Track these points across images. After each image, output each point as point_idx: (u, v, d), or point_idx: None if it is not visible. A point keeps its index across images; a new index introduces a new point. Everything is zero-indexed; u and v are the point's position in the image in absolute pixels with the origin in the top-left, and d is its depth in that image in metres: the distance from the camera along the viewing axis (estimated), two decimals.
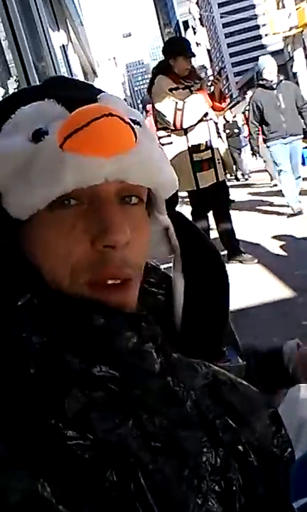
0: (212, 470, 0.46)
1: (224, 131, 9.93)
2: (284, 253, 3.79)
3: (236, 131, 11.16)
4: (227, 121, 11.02)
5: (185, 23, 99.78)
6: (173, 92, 3.48)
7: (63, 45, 6.68)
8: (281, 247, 4.02)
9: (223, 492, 0.46)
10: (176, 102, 3.41)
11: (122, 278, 0.50)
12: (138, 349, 0.47)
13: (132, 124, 0.48)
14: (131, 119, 0.49)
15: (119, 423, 0.42)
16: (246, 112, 7.43)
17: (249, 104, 5.97)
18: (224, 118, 10.57)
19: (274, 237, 4.41)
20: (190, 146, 3.52)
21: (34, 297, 0.47)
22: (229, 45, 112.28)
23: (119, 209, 0.49)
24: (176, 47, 3.61)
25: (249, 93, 8.82)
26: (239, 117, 11.57)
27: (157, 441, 0.44)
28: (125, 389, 0.44)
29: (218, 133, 3.70)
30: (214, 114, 3.67)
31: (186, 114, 3.41)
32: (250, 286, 3.12)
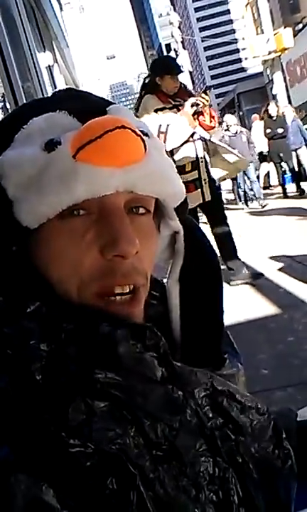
0: (210, 479, 0.46)
1: (265, 130, 8.53)
2: (269, 270, 3.83)
3: (279, 131, 8.31)
4: (270, 116, 8.48)
5: (168, 46, 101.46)
6: (159, 112, 3.39)
7: (49, 66, 6.74)
8: (266, 265, 4.06)
9: (221, 502, 0.46)
10: (160, 125, 3.30)
11: (130, 286, 0.50)
12: (141, 357, 0.47)
13: (142, 136, 0.49)
14: (140, 131, 0.49)
15: (122, 432, 0.43)
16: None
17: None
18: (266, 113, 8.69)
19: (259, 255, 4.46)
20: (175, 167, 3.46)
21: (43, 305, 0.47)
22: (210, 68, 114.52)
23: (128, 219, 0.50)
24: (162, 65, 3.53)
25: (226, 118, 8.76)
26: (289, 110, 8.72)
27: (159, 449, 0.44)
28: (128, 396, 0.45)
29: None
30: (204, 132, 3.53)
31: (169, 137, 3.29)
32: (236, 303, 3.13)
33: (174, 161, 3.17)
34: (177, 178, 0.56)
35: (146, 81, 3.57)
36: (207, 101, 3.42)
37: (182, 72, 3.62)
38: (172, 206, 0.57)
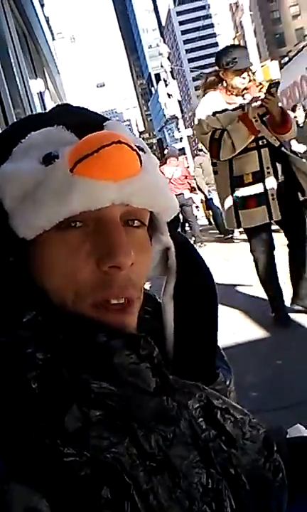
0: (203, 491, 0.46)
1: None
2: (259, 295, 3.84)
3: None
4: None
5: (157, 76, 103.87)
6: (217, 115, 2.84)
7: (40, 92, 6.85)
8: (257, 288, 4.07)
9: None
10: (214, 132, 2.80)
11: (125, 298, 0.51)
12: (135, 367, 0.47)
13: (138, 151, 0.50)
14: (136, 146, 0.51)
15: (116, 441, 0.43)
16: None
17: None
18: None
19: (250, 278, 4.48)
20: (232, 177, 2.87)
21: (39, 314, 0.47)
22: (198, 98, 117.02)
23: (124, 231, 0.50)
24: (226, 56, 2.85)
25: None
26: None
27: (153, 460, 0.44)
28: (122, 406, 0.45)
29: None
30: (272, 137, 2.84)
31: (223, 146, 2.76)
32: (226, 326, 3.14)
33: (231, 171, 2.80)
34: (170, 193, 0.57)
35: (209, 77, 3.01)
36: (274, 100, 2.76)
37: (250, 65, 2.97)
38: (165, 220, 0.58)
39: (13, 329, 0.46)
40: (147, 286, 0.60)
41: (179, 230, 0.63)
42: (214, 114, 2.85)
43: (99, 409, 0.44)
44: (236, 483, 0.49)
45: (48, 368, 0.44)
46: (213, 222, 9.37)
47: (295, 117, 6.68)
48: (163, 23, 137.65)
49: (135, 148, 0.50)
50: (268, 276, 3.02)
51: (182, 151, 24.49)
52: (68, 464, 0.40)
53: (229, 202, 2.91)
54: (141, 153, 0.51)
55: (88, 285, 0.49)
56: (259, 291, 3.89)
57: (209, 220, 10.48)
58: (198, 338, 0.59)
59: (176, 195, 7.22)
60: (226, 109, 2.86)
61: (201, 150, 8.01)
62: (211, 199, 8.08)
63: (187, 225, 8.42)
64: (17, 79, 4.71)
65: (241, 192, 2.86)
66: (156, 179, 0.53)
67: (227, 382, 0.61)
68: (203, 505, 0.45)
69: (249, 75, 2.92)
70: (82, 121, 0.52)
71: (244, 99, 2.90)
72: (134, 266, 0.50)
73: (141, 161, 0.50)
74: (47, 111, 0.59)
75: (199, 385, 0.53)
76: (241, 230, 3.29)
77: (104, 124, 0.52)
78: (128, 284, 0.50)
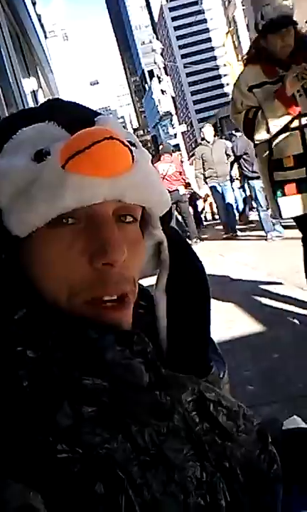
0: (197, 484, 0.46)
1: None
2: (255, 289, 3.85)
3: None
4: None
5: (151, 72, 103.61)
6: (255, 90, 2.42)
7: (34, 91, 6.82)
8: (252, 284, 4.08)
9: (208, 506, 0.46)
10: (248, 110, 2.43)
11: (119, 294, 0.51)
12: (128, 363, 0.48)
13: (130, 147, 0.50)
14: (128, 141, 0.50)
15: (109, 437, 0.43)
16: None
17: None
18: None
19: (246, 274, 4.49)
20: (271, 160, 2.48)
21: (31, 312, 0.47)
22: (192, 93, 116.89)
23: (116, 227, 0.50)
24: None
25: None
26: None
27: (146, 455, 0.44)
28: (116, 401, 0.45)
29: None
30: None
31: (258, 127, 2.40)
32: (222, 321, 3.15)
33: (271, 154, 2.38)
34: (162, 187, 0.57)
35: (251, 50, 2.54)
36: None
37: (294, 24, 2.40)
38: (157, 215, 0.58)
39: (4, 327, 0.46)
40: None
41: (176, 227, 0.63)
42: (250, 89, 2.42)
43: (92, 405, 0.44)
44: (231, 476, 0.49)
45: (39, 366, 0.44)
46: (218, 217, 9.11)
47: None
48: (156, 20, 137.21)
49: (127, 143, 0.49)
50: None
51: (176, 147, 24.44)
52: (61, 461, 0.40)
53: (268, 189, 2.54)
54: (132, 148, 0.51)
55: (82, 283, 0.49)
56: (255, 287, 3.91)
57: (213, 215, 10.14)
58: (191, 331, 0.60)
59: (171, 191, 7.17)
60: (265, 83, 2.40)
61: (203, 139, 7.78)
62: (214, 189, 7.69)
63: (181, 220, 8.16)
64: (10, 78, 4.68)
65: (281, 177, 2.46)
66: (148, 174, 0.53)
67: (221, 375, 0.62)
68: (197, 498, 0.45)
69: (294, 37, 2.37)
70: (73, 116, 0.52)
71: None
72: (127, 262, 0.50)
73: (132, 156, 0.50)
74: (37, 106, 0.58)
75: (192, 378, 0.53)
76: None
77: (96, 119, 0.52)
78: (121, 280, 0.51)
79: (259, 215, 6.40)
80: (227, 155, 7.60)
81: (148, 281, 0.63)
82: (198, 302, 0.61)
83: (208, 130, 7.79)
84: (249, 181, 6.95)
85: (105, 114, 0.56)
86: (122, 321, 0.51)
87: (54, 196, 0.47)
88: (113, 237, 0.49)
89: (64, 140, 0.48)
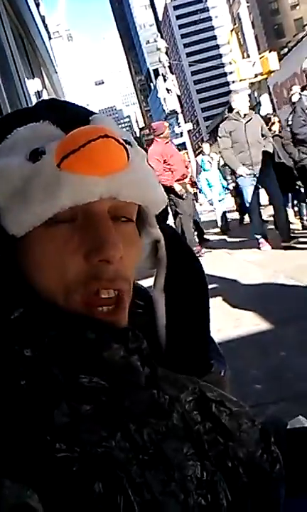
0: (198, 483, 0.46)
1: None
2: (262, 288, 3.84)
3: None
4: None
5: (156, 71, 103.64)
6: None
7: (38, 92, 6.84)
8: (260, 282, 4.07)
9: (210, 506, 0.45)
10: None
11: (115, 288, 0.51)
12: (125, 361, 0.48)
13: (125, 145, 0.50)
14: (123, 140, 0.50)
15: (107, 435, 0.43)
16: None
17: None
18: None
19: (253, 272, 4.48)
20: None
21: (28, 311, 0.47)
22: (198, 92, 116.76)
23: (113, 225, 0.50)
24: None
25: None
26: None
27: (145, 454, 0.44)
28: (114, 400, 0.45)
29: None
30: None
31: None
32: (229, 320, 3.14)
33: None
34: (158, 186, 0.57)
35: None
36: None
37: None
38: (153, 213, 0.58)
39: (1, 326, 0.46)
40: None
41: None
42: None
43: (90, 403, 0.44)
44: (233, 476, 0.49)
45: (36, 365, 0.44)
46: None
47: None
48: (160, 18, 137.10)
49: (122, 142, 0.49)
50: None
51: (183, 145, 24.38)
52: (60, 460, 0.40)
53: None
54: (128, 146, 0.51)
55: (78, 279, 0.49)
56: (262, 285, 3.90)
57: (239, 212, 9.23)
58: (190, 330, 0.60)
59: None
60: None
61: (231, 110, 5.63)
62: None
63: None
64: (14, 79, 4.70)
65: None
66: (144, 172, 0.53)
67: (221, 374, 0.61)
68: (198, 497, 0.45)
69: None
70: (68, 115, 0.52)
71: None
72: (123, 259, 0.50)
73: (128, 154, 0.50)
74: (32, 106, 0.58)
75: (192, 378, 0.53)
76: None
77: (91, 117, 0.52)
78: (117, 276, 0.51)
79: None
80: (263, 136, 5.50)
81: (147, 282, 0.63)
82: (197, 300, 0.61)
83: (242, 98, 5.52)
84: None
85: (110, 114, 0.55)
86: (118, 322, 0.51)
87: (50, 195, 0.47)
88: (109, 234, 0.49)
89: (59, 139, 0.48)
